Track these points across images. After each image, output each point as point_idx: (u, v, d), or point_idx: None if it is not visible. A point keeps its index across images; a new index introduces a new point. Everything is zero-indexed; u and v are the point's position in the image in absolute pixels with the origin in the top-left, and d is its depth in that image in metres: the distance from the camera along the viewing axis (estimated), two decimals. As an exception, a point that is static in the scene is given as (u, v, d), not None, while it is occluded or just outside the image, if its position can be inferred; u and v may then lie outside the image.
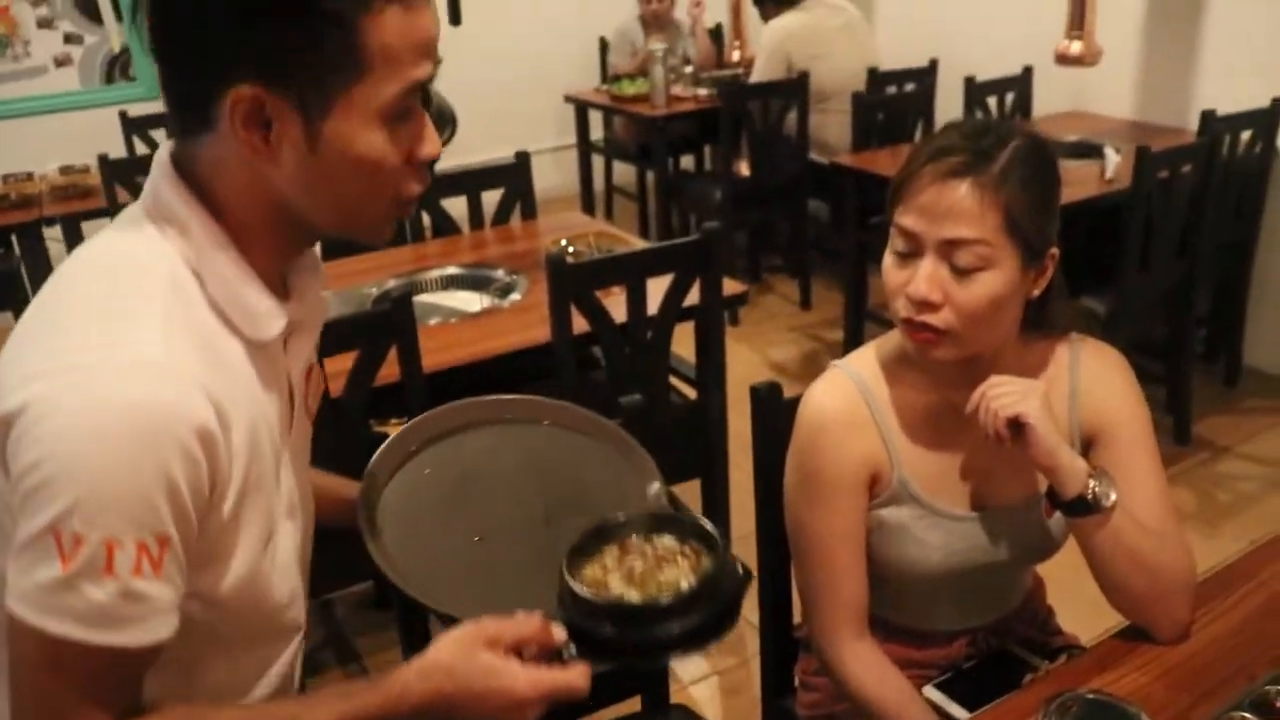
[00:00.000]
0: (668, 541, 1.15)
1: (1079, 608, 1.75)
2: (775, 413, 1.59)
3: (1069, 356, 1.47)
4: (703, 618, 1.04)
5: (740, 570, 1.10)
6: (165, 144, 1.02)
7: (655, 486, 1.30)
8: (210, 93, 0.92)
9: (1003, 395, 1.38)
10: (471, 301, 2.93)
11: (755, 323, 5.05)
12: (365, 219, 1.00)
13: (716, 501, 2.93)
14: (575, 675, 1.02)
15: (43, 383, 0.86)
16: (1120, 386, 1.48)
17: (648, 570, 1.11)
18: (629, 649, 1.04)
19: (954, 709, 1.49)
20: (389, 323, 2.27)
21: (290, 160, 0.93)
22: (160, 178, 0.99)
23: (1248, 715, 1.31)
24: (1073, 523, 1.38)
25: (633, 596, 1.07)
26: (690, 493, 3.07)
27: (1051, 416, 1.39)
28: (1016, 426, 1.38)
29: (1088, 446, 1.52)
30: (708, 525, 1.12)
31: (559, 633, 1.04)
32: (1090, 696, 1.32)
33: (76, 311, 0.93)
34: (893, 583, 1.56)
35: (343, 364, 2.13)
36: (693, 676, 2.88)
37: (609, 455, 1.39)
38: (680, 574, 1.10)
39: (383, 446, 1.34)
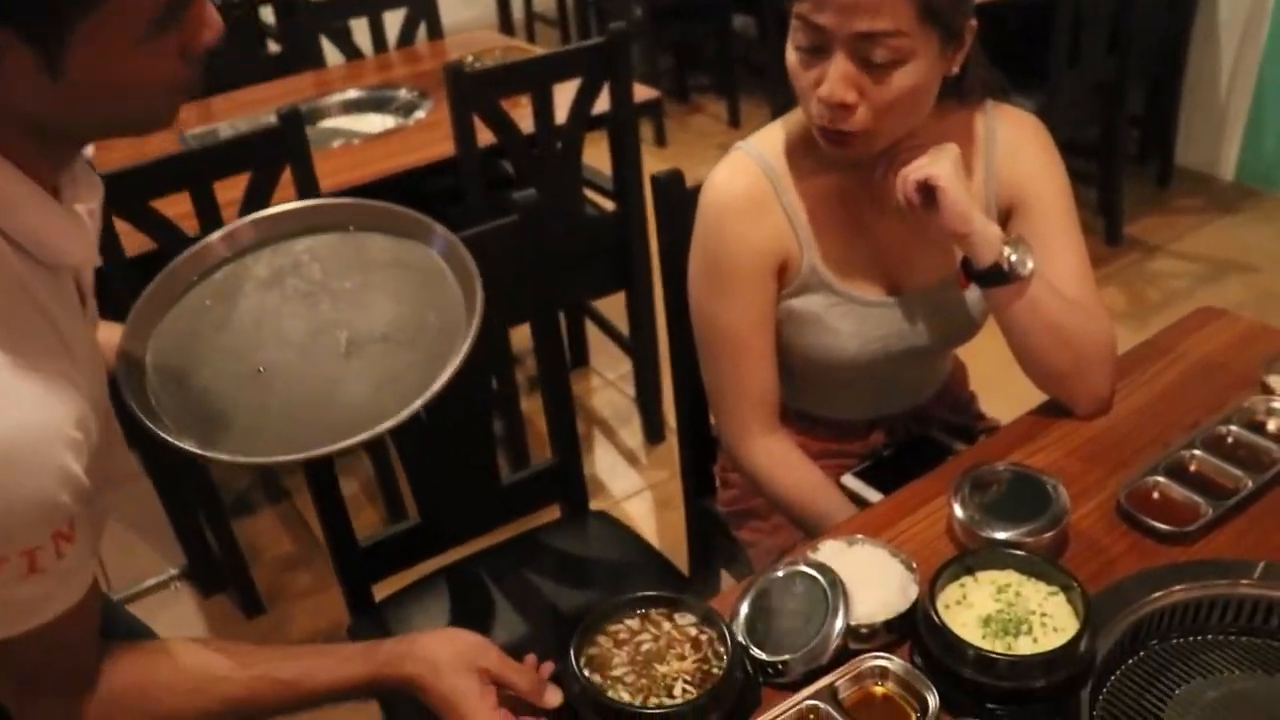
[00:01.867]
0: (688, 620, 1.10)
1: (1005, 401, 1.74)
2: (678, 203, 1.49)
3: (984, 126, 1.37)
4: None
5: (745, 676, 1.06)
6: None
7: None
8: None
9: (912, 160, 1.29)
10: (375, 123, 2.78)
11: (684, 143, 4.92)
12: (134, 127, 0.89)
13: (640, 316, 2.87)
14: None
15: None
16: (1038, 153, 1.40)
17: (655, 653, 1.06)
18: None
19: (870, 494, 1.47)
20: (280, 141, 2.12)
21: (31, 90, 0.80)
22: None
23: (1161, 479, 1.28)
24: (989, 294, 1.34)
25: (622, 692, 1.03)
26: (615, 307, 3.01)
27: (964, 182, 1.31)
28: (928, 193, 1.29)
29: (1006, 217, 1.46)
30: (726, 630, 1.06)
31: (553, 698, 1.04)
32: (1005, 469, 1.30)
33: None
34: (807, 374, 1.51)
35: (234, 191, 2.02)
36: (625, 491, 2.89)
37: (432, 272, 1.18)
38: (683, 669, 1.05)
39: (152, 282, 1.17)
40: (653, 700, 1.02)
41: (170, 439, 1.00)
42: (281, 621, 2.54)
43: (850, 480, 1.52)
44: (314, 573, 2.69)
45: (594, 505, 1.86)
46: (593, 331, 3.32)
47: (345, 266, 1.17)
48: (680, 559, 1.85)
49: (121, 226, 2.02)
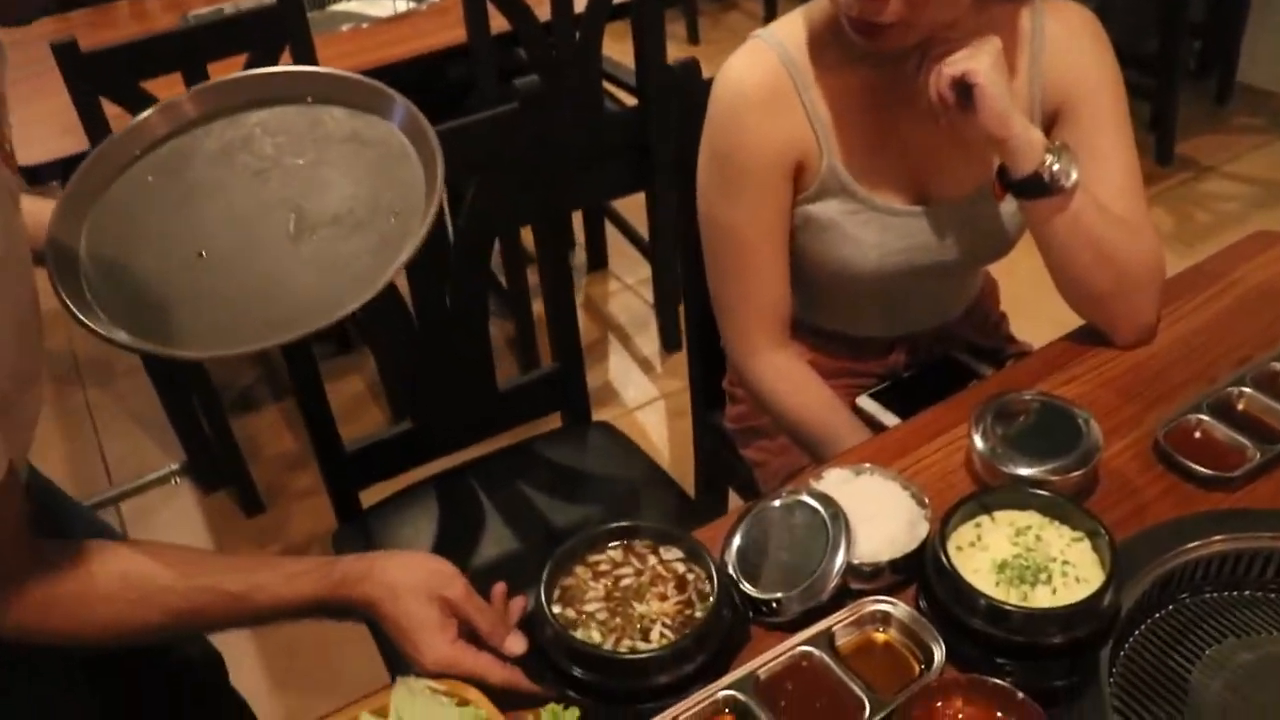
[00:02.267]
0: (674, 555, 1.03)
1: (1037, 324, 1.61)
2: (696, 95, 1.36)
3: (1031, 21, 1.24)
4: (682, 674, 0.93)
5: (732, 613, 0.98)
6: None
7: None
8: None
9: (948, 54, 1.16)
10: (387, 6, 2.65)
11: (716, 41, 4.76)
12: None
13: (660, 218, 2.76)
14: (490, 671, 0.95)
15: None
16: (1089, 51, 1.26)
17: (635, 590, 0.99)
18: (587, 690, 0.94)
19: (887, 417, 1.40)
20: (279, 21, 2.00)
21: None
22: None
23: (1204, 417, 1.17)
24: (1027, 207, 1.23)
25: (593, 632, 0.97)
26: (636, 209, 2.89)
27: (1005, 81, 1.18)
28: (964, 91, 1.16)
29: (1050, 123, 1.31)
30: (714, 569, 0.99)
31: (515, 645, 0.98)
32: (1033, 399, 1.19)
33: None
34: (822, 286, 1.42)
35: (233, 69, 1.84)
36: (637, 401, 2.80)
37: (392, 148, 1.07)
38: (663, 611, 0.98)
39: (89, 157, 1.06)
40: (625, 643, 0.95)
41: (101, 331, 0.90)
42: (281, 521, 2.51)
43: (865, 402, 1.45)
44: (314, 473, 2.61)
45: (605, 414, 1.80)
46: (612, 234, 3.20)
47: (299, 142, 1.07)
48: (690, 476, 1.82)
49: (111, 110, 1.93)
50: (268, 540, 2.44)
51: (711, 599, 0.96)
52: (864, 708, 0.87)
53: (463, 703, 0.91)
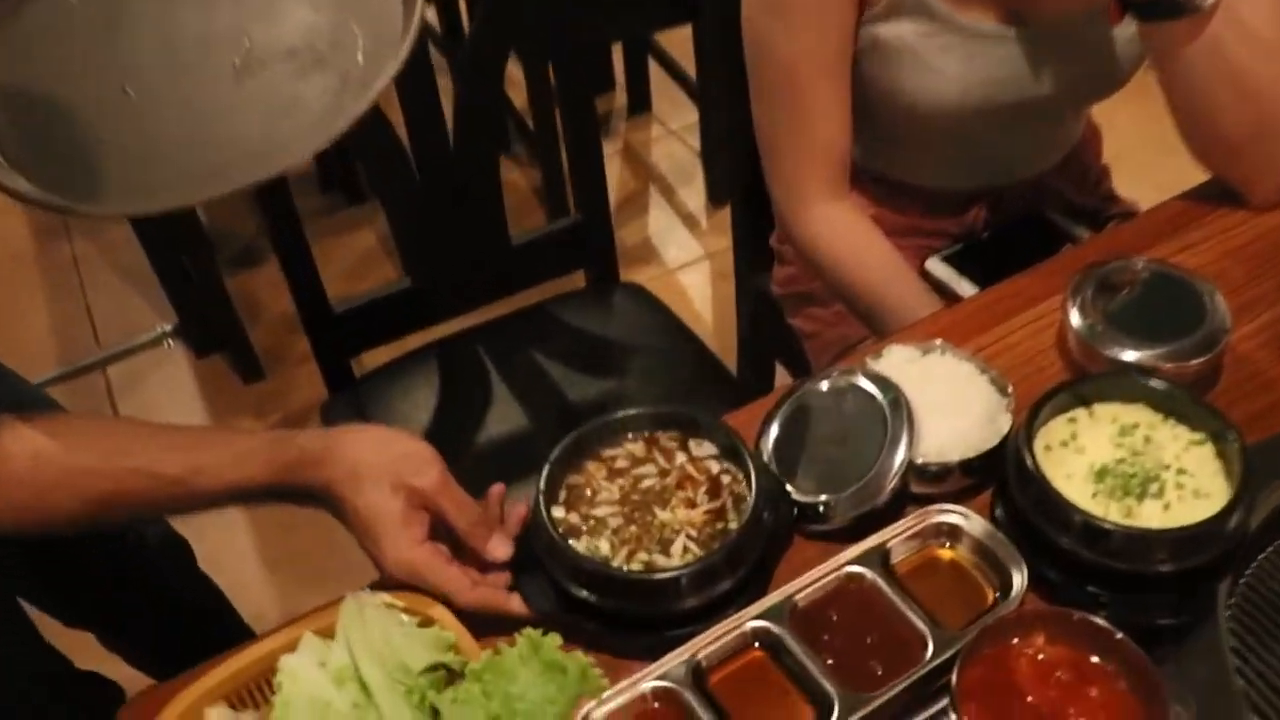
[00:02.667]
0: (707, 451, 0.95)
1: (1145, 181, 1.50)
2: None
3: None
4: (708, 598, 0.85)
5: (774, 521, 0.90)
6: None
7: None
8: None
9: None
10: None
11: None
12: None
13: (709, 53, 2.56)
14: (456, 585, 0.86)
15: None
16: None
17: (657, 493, 0.92)
18: (588, 614, 0.87)
19: (962, 285, 1.32)
20: None
21: None
22: None
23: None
24: (1152, 33, 1.11)
25: (600, 542, 0.89)
26: (682, 43, 2.74)
27: None
28: None
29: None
30: (752, 462, 0.91)
31: (497, 549, 0.89)
32: (1143, 268, 1.06)
33: None
34: (891, 125, 1.30)
35: None
36: (679, 260, 2.69)
37: None
38: (689, 520, 0.90)
39: None
40: (639, 558, 0.88)
41: None
42: (282, 389, 2.44)
43: (937, 266, 1.36)
44: (320, 335, 2.55)
45: (641, 275, 1.71)
46: (656, 73, 3.03)
47: None
48: (734, 349, 1.78)
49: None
50: (267, 409, 2.39)
51: (749, 504, 0.88)
52: (925, 643, 0.80)
53: (426, 622, 0.84)
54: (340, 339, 1.53)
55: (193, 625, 1.52)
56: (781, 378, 1.76)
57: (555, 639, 0.79)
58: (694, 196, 2.87)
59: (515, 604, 0.87)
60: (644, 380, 1.54)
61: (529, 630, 0.80)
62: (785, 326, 1.57)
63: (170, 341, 2.58)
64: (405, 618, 0.84)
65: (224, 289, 2.38)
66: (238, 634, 1.54)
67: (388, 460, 0.89)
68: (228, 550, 2.04)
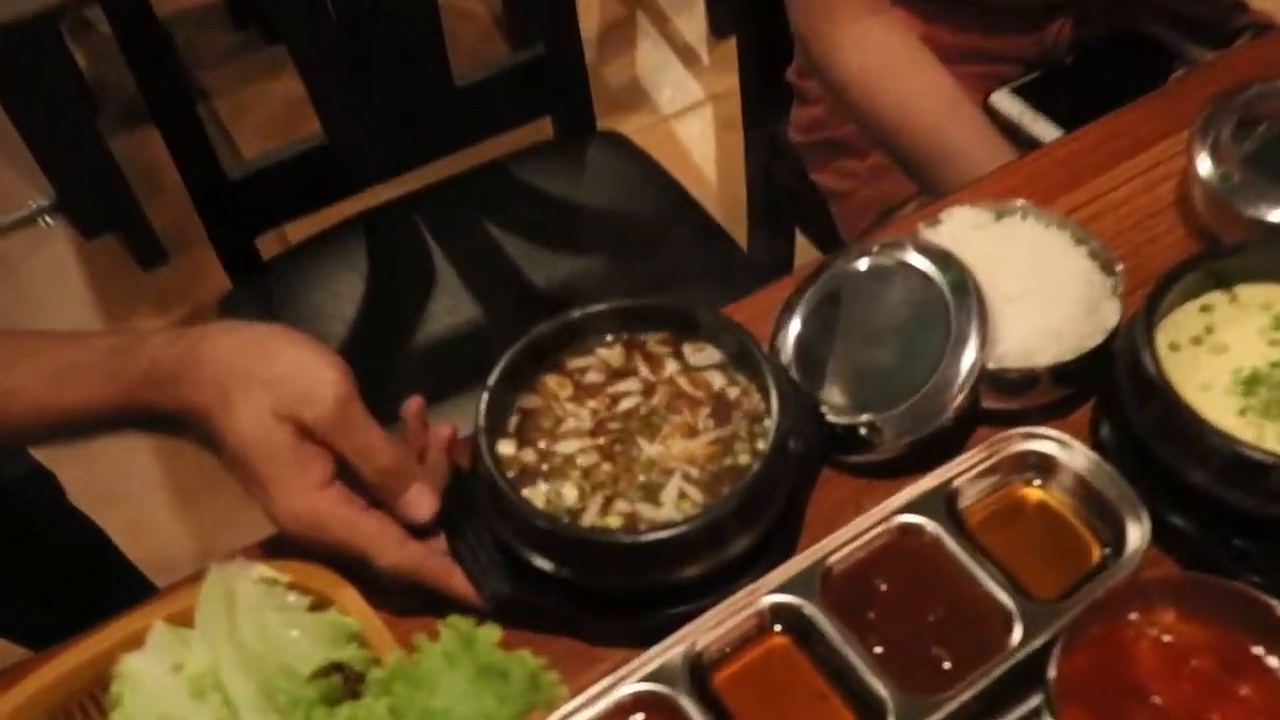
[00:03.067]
0: (708, 358, 0.89)
1: None
2: None
3: None
4: (717, 562, 0.79)
5: (803, 452, 0.84)
6: None
7: None
8: None
9: None
10: None
11: None
12: None
13: None
14: (378, 541, 0.79)
15: None
16: None
17: (644, 417, 0.87)
18: (548, 591, 0.81)
19: (1039, 125, 1.27)
20: None
21: None
22: None
23: None
24: None
25: (565, 492, 0.82)
26: None
27: None
28: None
29: None
30: (769, 369, 0.84)
31: (417, 506, 0.81)
32: None
33: None
34: None
35: None
36: (676, 105, 2.63)
37: None
38: (688, 454, 0.84)
39: None
40: (617, 509, 0.81)
41: None
42: (190, 276, 2.36)
43: (1006, 100, 1.31)
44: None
45: (628, 123, 1.78)
46: None
47: None
48: (739, 216, 1.74)
49: None
50: (171, 301, 2.34)
51: (769, 430, 0.81)
52: (1009, 622, 0.73)
53: (321, 604, 0.76)
54: (240, 213, 1.48)
55: (67, 582, 1.47)
56: (804, 254, 1.73)
57: (492, 632, 0.69)
58: (692, 24, 2.81)
59: (459, 580, 0.80)
60: (627, 260, 1.50)
61: (455, 619, 0.70)
62: (807, 185, 1.54)
63: (48, 219, 2.52)
64: (293, 598, 0.77)
65: (110, 155, 2.30)
66: (131, 590, 1.50)
67: (270, 376, 0.81)
68: (125, 475, 1.99)
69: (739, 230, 1.68)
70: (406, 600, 0.80)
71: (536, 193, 1.57)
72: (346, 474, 0.82)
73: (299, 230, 1.56)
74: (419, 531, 0.82)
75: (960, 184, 1.13)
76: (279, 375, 0.81)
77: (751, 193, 1.74)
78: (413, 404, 0.88)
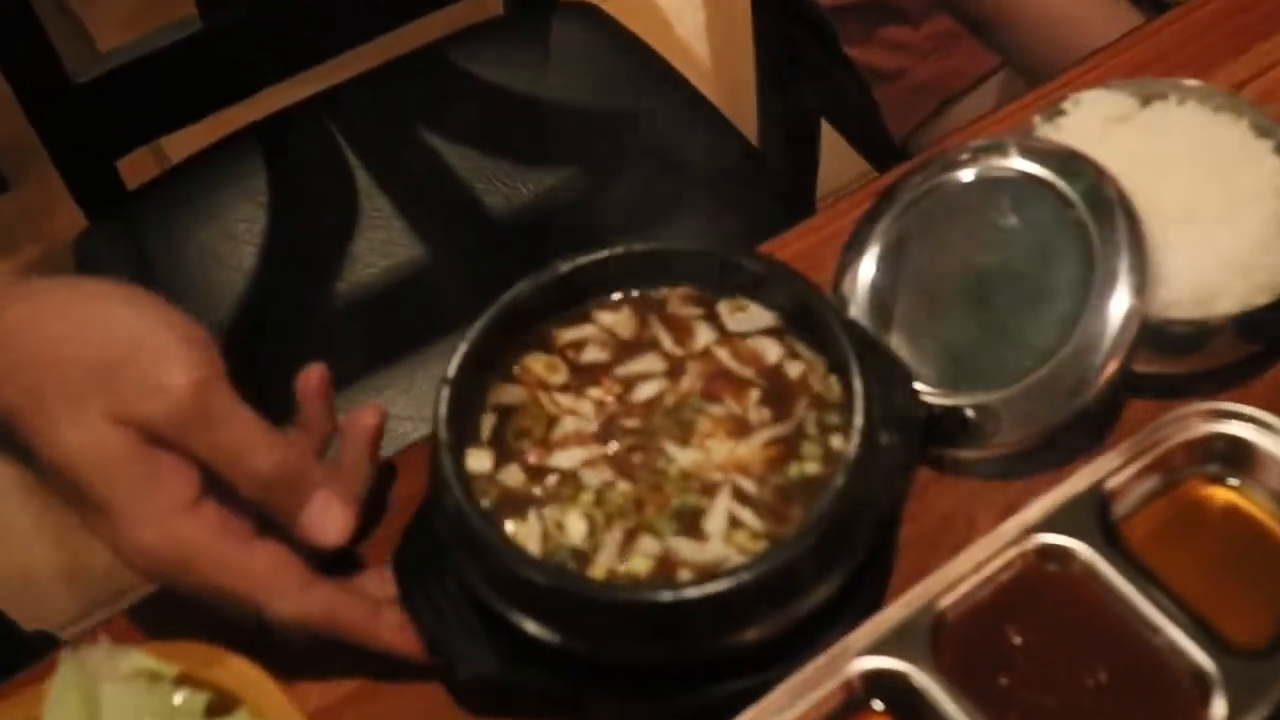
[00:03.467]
0: (755, 321, 0.82)
1: None
2: None
3: None
4: (791, 619, 0.72)
5: (900, 451, 0.78)
6: None
7: None
8: None
9: None
10: None
11: None
12: None
13: None
14: (278, 591, 0.73)
15: None
16: None
17: (669, 412, 0.80)
18: (565, 665, 0.73)
19: None
20: None
21: None
22: None
23: None
24: None
25: (569, 527, 0.75)
26: None
27: None
28: None
29: None
30: (844, 334, 0.77)
31: (323, 525, 0.75)
32: None
33: None
34: None
35: None
36: None
37: None
38: (739, 461, 0.77)
39: None
40: (642, 550, 0.73)
41: None
42: (36, 207, 2.34)
43: None
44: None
45: None
46: None
47: None
48: (746, 107, 1.71)
49: None
50: (18, 237, 2.33)
51: (856, 420, 0.74)
52: (1207, 687, 0.66)
53: (224, 706, 0.71)
54: (92, 128, 1.43)
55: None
56: (835, 158, 1.72)
57: None
58: None
59: (392, 628, 0.74)
60: (608, 171, 1.46)
61: None
62: (840, 62, 1.52)
63: None
64: (182, 698, 0.71)
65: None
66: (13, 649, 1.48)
67: (97, 360, 0.74)
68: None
69: (747, 126, 1.62)
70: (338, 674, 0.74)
71: (486, 86, 1.54)
72: (223, 489, 0.76)
73: (179, 147, 1.54)
74: (341, 570, 0.76)
75: (1072, 56, 1.07)
76: (110, 358, 0.74)
77: (762, 75, 1.73)
78: (311, 376, 0.83)
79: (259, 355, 1.27)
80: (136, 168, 1.50)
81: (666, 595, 0.70)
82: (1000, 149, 0.86)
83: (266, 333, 1.29)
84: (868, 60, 1.46)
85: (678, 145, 1.48)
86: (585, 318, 0.84)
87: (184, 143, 1.52)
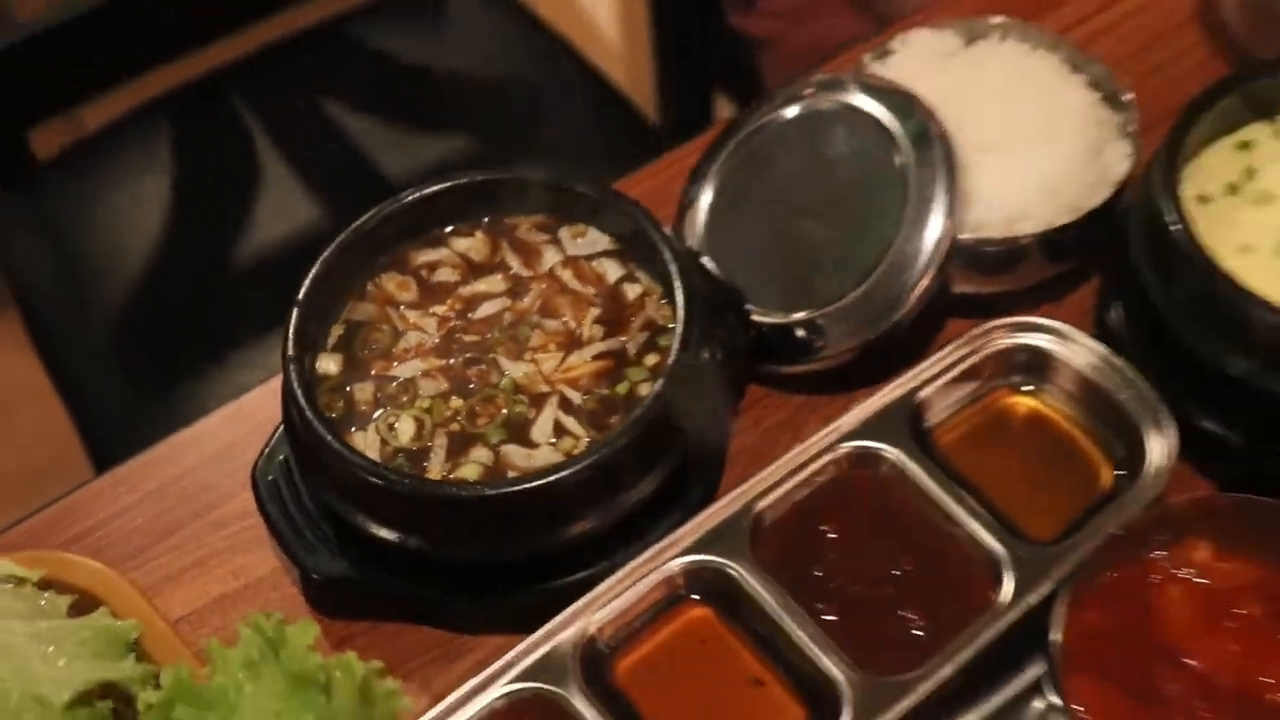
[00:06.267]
0: (595, 244, 0.85)
1: None
2: None
3: None
4: (611, 517, 0.75)
5: (720, 355, 0.80)
6: None
7: None
8: None
9: None
10: None
11: None
12: None
13: None
14: None
15: None
16: None
17: (508, 329, 0.83)
18: (401, 562, 0.76)
19: None
20: None
21: None
22: None
23: None
24: None
25: (402, 428, 0.78)
26: None
27: None
28: None
29: None
30: (672, 255, 0.80)
31: None
32: None
33: None
34: None
35: None
36: None
37: None
38: (573, 374, 0.80)
39: None
40: (475, 456, 0.76)
41: None
42: None
43: None
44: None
45: None
46: None
47: None
48: (643, 79, 1.75)
49: None
50: None
51: (676, 337, 0.77)
52: (997, 570, 0.70)
53: (85, 605, 0.72)
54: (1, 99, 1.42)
55: None
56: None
57: (307, 631, 0.64)
58: None
59: None
60: (503, 139, 1.48)
61: (258, 617, 0.65)
62: (727, 33, 1.57)
63: None
64: (46, 599, 0.72)
65: None
66: None
67: None
68: None
69: (645, 98, 1.64)
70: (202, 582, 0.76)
71: (386, 59, 1.57)
72: None
73: (91, 120, 1.54)
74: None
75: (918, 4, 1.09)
76: None
77: (657, 48, 1.69)
78: None
79: (167, 315, 1.30)
80: (47, 139, 1.48)
81: (493, 491, 0.72)
82: (836, 85, 0.89)
83: (174, 293, 1.30)
84: (750, 29, 1.47)
85: (570, 116, 1.50)
86: (441, 242, 0.86)
87: (94, 115, 1.51)
